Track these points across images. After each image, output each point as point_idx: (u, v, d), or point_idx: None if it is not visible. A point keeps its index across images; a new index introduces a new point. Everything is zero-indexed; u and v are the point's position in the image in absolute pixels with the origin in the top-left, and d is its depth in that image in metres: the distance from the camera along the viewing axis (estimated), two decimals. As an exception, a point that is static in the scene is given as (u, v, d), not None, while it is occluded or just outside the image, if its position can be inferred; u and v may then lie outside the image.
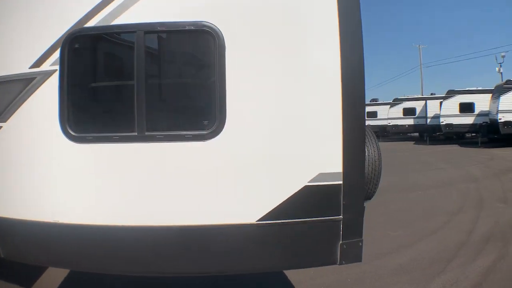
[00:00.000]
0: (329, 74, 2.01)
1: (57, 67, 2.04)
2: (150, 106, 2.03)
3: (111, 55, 2.33)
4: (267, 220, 2.06)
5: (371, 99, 27.92)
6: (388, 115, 24.67)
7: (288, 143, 2.06)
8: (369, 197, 3.72)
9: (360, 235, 2.14)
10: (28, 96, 2.09)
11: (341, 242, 2.09)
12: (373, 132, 3.94)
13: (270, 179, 2.07)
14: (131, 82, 2.00)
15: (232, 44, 1.98)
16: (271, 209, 2.04)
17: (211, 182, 2.07)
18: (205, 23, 1.96)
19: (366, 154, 3.58)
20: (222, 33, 1.96)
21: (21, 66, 2.08)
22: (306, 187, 2.05)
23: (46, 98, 2.08)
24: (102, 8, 1.98)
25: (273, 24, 2.03)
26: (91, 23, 2.00)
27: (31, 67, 2.07)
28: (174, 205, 2.07)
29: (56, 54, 2.04)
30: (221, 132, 2.00)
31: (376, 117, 26.05)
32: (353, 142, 2.06)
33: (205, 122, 2.04)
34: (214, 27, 1.96)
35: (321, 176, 2.05)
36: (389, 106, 25.38)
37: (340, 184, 2.05)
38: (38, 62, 2.06)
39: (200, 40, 2.09)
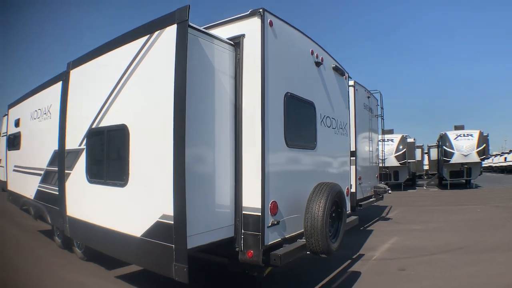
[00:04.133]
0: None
1: (84, 146, 5.06)
2: (109, 168, 4.62)
3: (98, 143, 5.08)
4: (144, 237, 4.03)
5: None
6: None
7: (152, 190, 4.01)
8: (316, 251, 4.51)
9: (185, 263, 3.58)
10: (78, 159, 5.23)
11: (174, 263, 3.68)
12: (329, 191, 4.72)
13: (145, 211, 4.06)
14: (104, 155, 4.68)
15: (132, 134, 4.26)
16: (145, 230, 4.02)
17: (124, 209, 4.36)
18: (123, 124, 4.36)
19: (309, 211, 4.57)
20: (129, 129, 4.28)
21: (76, 143, 5.31)
22: (158, 221, 3.86)
23: (82, 159, 5.13)
24: (95, 120, 4.84)
25: (154, 127, 4.11)
26: (93, 126, 4.90)
27: (78, 146, 5.22)
28: (111, 218, 4.57)
29: (85, 140, 5.07)
30: (127, 184, 4.25)
31: None
32: (179, 195, 3.66)
33: (124, 177, 4.35)
34: (126, 126, 4.31)
35: (164, 216, 3.79)
36: None
37: (172, 223, 3.70)
38: (80, 143, 5.20)
39: (122, 133, 4.46)
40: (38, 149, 7.28)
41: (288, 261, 4.46)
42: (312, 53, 5.65)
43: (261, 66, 4.34)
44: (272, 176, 4.41)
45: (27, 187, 8.01)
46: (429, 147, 30.07)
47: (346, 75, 7.08)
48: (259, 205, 4.27)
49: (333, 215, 5.11)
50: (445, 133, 22.45)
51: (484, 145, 21.33)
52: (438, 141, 24.81)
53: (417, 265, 6.57)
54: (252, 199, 4.33)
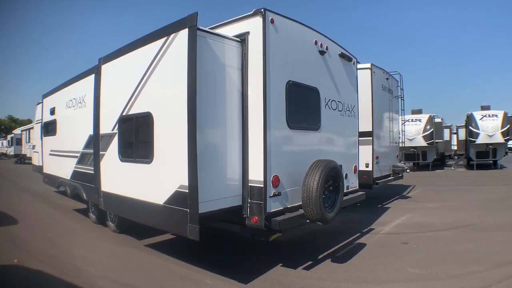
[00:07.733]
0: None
1: (117, 130, 6.57)
2: (138, 148, 6.08)
3: (128, 128, 6.52)
4: (166, 204, 5.42)
5: None
6: None
7: (172, 165, 5.35)
8: (312, 218, 5.69)
9: (197, 224, 4.90)
10: (111, 142, 6.76)
11: (188, 224, 5.03)
12: (323, 167, 5.85)
13: (166, 183, 5.42)
14: (133, 138, 6.14)
15: (156, 120, 5.65)
16: (166, 198, 5.39)
17: (150, 182, 5.78)
18: (148, 112, 5.76)
19: (305, 184, 5.72)
20: (153, 116, 5.67)
21: (109, 128, 6.84)
22: (176, 191, 5.22)
23: (115, 142, 6.65)
24: (125, 108, 6.28)
25: (173, 113, 5.43)
26: (124, 113, 6.36)
27: (111, 130, 6.74)
28: (139, 190, 6.03)
29: (116, 126, 6.58)
30: (153, 161, 5.68)
31: None
32: (192, 169, 4.98)
33: (150, 156, 5.79)
34: (151, 113, 5.71)
35: (181, 186, 5.13)
36: None
37: (187, 192, 5.04)
38: (113, 128, 6.70)
39: (148, 119, 5.85)
40: (74, 134, 8.95)
41: (288, 226, 5.67)
42: (316, 43, 6.72)
43: (263, 59, 5.47)
44: (274, 154, 5.63)
45: (64, 169, 9.75)
46: (457, 127, 31.51)
47: (354, 60, 8.07)
48: (261, 178, 5.51)
49: (331, 188, 6.26)
50: (471, 113, 23.66)
51: (508, 125, 22.31)
52: (466, 122, 25.84)
53: (420, 240, 7.59)
54: (256, 173, 5.58)
